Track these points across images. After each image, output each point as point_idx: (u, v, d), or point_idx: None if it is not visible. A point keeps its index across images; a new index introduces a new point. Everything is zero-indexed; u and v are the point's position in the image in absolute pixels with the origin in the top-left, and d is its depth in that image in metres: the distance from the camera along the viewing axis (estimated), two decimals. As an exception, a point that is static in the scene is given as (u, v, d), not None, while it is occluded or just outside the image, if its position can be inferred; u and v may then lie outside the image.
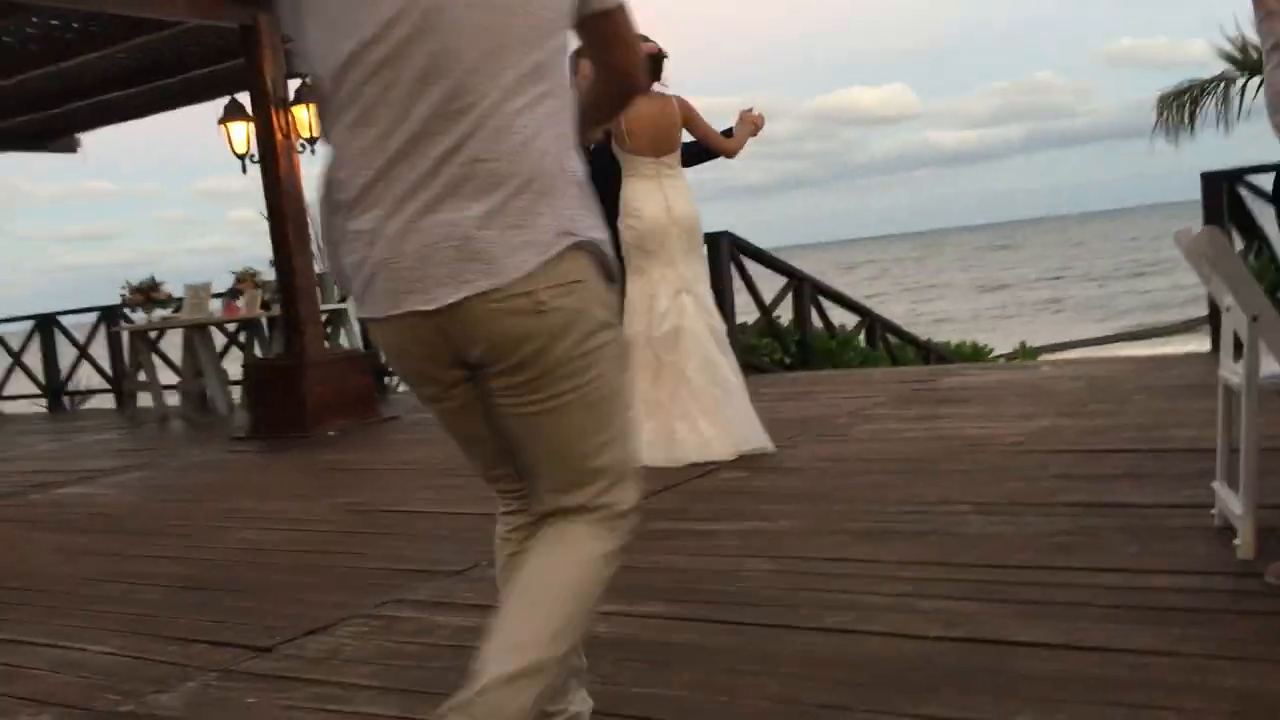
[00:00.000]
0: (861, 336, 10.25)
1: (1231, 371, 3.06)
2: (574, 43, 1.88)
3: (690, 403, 4.98)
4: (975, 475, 4.20)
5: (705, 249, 5.41)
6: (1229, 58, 7.29)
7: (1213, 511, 3.19)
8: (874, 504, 3.91)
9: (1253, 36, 7.19)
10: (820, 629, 2.76)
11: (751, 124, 5.34)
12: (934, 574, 3.07)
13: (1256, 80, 7.30)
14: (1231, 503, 3.01)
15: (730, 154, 5.34)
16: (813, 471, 4.62)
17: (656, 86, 5.16)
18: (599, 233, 1.82)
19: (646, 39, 5.15)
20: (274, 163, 7.65)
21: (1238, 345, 2.96)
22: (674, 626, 2.90)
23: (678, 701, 2.42)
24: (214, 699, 2.73)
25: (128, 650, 3.13)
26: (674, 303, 5.05)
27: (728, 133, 5.36)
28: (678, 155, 5.19)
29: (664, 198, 5.11)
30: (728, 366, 5.14)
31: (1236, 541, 2.90)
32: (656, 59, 5.14)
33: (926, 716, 2.20)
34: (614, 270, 1.87)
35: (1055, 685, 2.27)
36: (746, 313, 9.23)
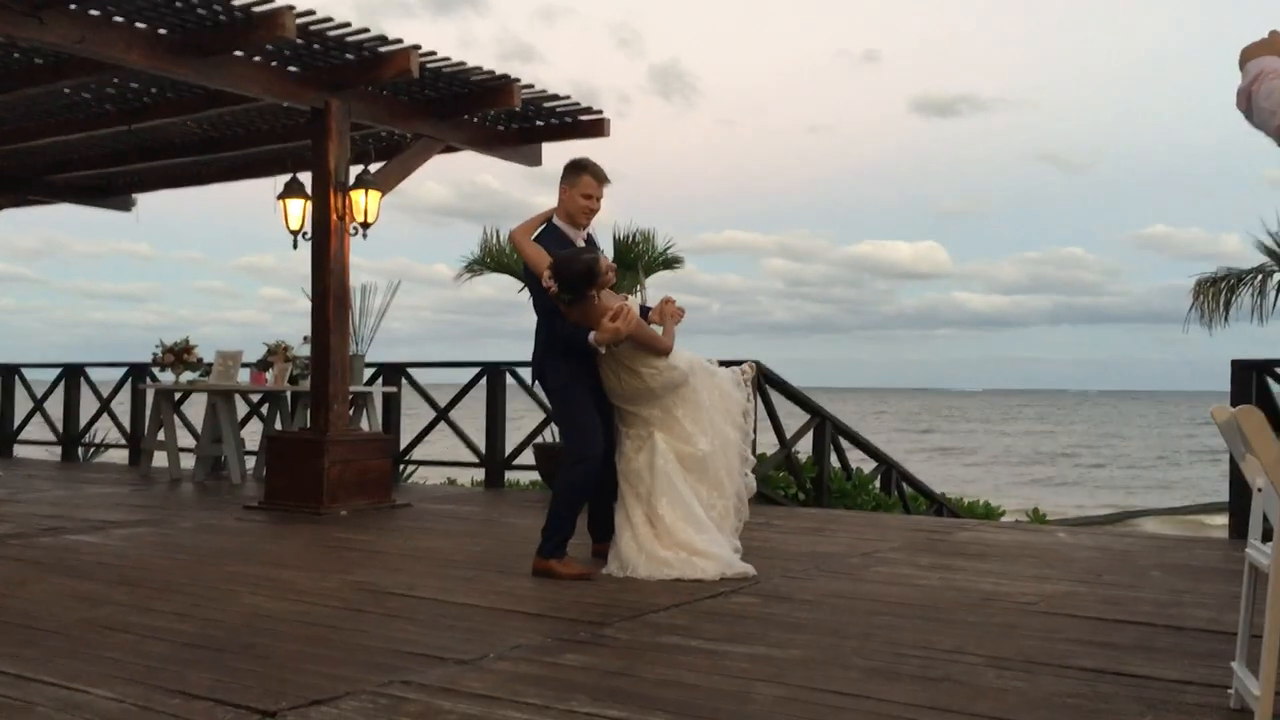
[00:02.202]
0: (877, 482, 10.27)
1: (1259, 552, 3.08)
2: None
3: (666, 538, 5.16)
4: (988, 629, 4.18)
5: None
6: (1269, 251, 7.44)
7: (1229, 691, 3.17)
8: (886, 644, 3.89)
9: None
10: (828, 760, 2.73)
11: (673, 317, 5.37)
12: (945, 720, 3.05)
13: (1294, 276, 7.45)
14: (1250, 684, 3.00)
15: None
16: (825, 605, 4.60)
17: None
18: None
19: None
20: (326, 242, 7.83)
21: (1267, 526, 2.98)
22: (680, 740, 2.88)
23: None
24: (215, 756, 2.72)
25: (132, 699, 3.12)
26: (646, 442, 5.27)
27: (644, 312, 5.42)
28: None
29: (614, 374, 5.27)
30: (702, 497, 5.27)
31: (1253, 723, 2.87)
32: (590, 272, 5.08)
33: None
34: None
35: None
36: (766, 444, 9.25)
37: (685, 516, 5.19)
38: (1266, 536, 3.05)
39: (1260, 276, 7.48)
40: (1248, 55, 2.42)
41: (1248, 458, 3.05)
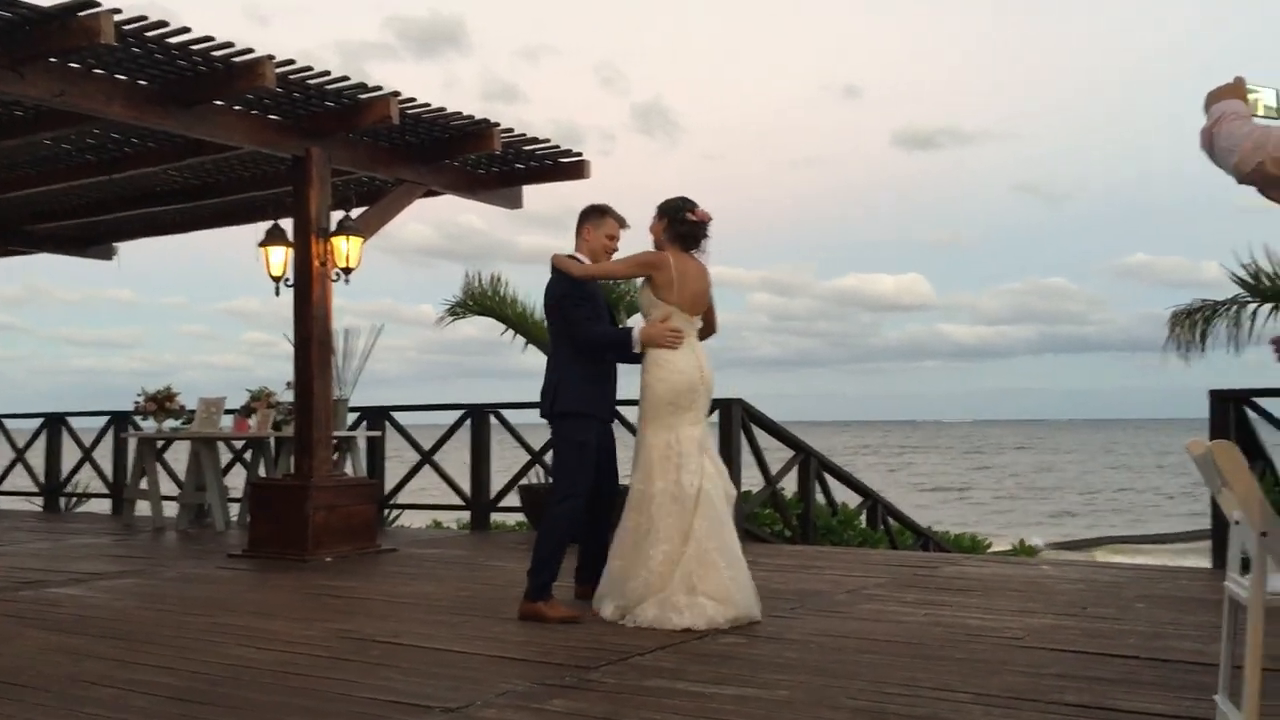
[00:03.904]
0: (863, 517, 10.27)
1: (1238, 585, 3.10)
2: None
3: (695, 568, 4.98)
4: (974, 665, 4.18)
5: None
6: (1242, 282, 7.53)
7: (1213, 724, 3.18)
8: (873, 683, 3.89)
9: (1268, 266, 7.44)
10: (815, 803, 2.73)
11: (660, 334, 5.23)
12: (932, 759, 3.04)
13: (1268, 307, 7.53)
14: (1233, 717, 3.01)
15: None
16: (812, 645, 4.60)
17: (698, 253, 5.36)
18: None
19: (693, 205, 5.36)
20: (308, 289, 7.85)
21: (1244, 559, 3.01)
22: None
23: None
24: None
25: (115, 755, 3.10)
26: (698, 462, 5.11)
27: None
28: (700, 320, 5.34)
29: (695, 355, 5.24)
30: (732, 533, 5.18)
31: (1237, 756, 2.89)
32: (703, 224, 5.34)
33: None
34: None
35: None
36: (751, 481, 9.27)
37: (720, 549, 5.02)
38: (1245, 569, 3.08)
39: (1235, 307, 7.57)
40: (1213, 98, 2.52)
41: (1224, 491, 3.08)
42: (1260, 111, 2.50)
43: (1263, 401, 7.15)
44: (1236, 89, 2.53)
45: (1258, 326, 7.56)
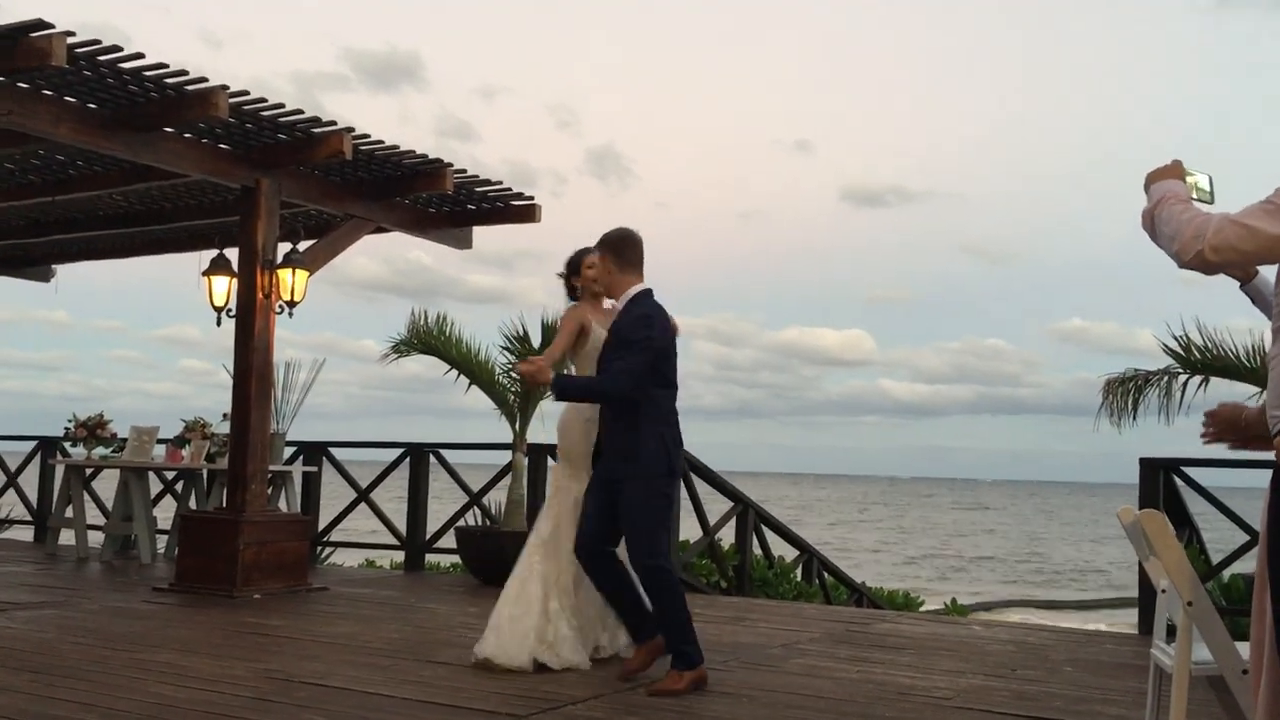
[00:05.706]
0: (799, 570, 10.31)
1: (1163, 652, 3.16)
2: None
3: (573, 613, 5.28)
4: (904, 725, 4.20)
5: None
6: (1173, 354, 7.72)
7: (1136, 791, 3.23)
8: (803, 740, 3.89)
9: (1199, 338, 7.64)
10: None
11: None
12: (859, 819, 3.05)
13: (1198, 379, 7.73)
14: (1155, 784, 3.05)
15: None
16: (743, 699, 4.59)
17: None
18: None
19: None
20: (251, 320, 7.76)
21: (1170, 627, 3.07)
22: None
23: None
24: None
25: (27, 794, 3.01)
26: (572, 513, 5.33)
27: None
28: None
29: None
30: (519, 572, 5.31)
31: (1158, 824, 2.93)
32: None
33: None
34: None
35: None
36: (689, 531, 9.26)
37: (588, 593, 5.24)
38: (1171, 636, 3.14)
39: (1166, 377, 7.75)
40: (1152, 179, 2.59)
41: (1151, 559, 3.15)
42: (1194, 194, 2.57)
43: (1191, 471, 7.30)
44: (1175, 170, 2.60)
45: (1188, 397, 7.74)
